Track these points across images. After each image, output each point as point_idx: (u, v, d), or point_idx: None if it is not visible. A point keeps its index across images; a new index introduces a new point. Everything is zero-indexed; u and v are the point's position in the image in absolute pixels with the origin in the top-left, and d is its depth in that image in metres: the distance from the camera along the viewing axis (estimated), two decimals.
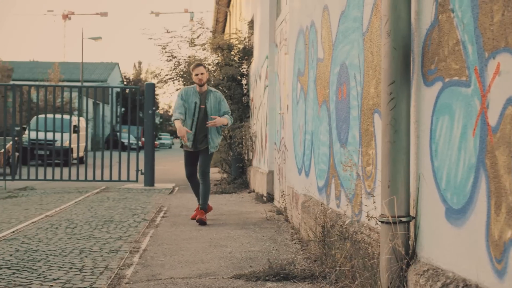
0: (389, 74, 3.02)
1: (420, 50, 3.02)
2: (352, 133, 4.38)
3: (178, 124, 7.23)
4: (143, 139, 34.91)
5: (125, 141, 36.66)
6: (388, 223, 3.02)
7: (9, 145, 15.93)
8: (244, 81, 13.76)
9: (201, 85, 7.49)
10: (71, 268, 4.91)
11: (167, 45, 14.65)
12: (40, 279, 4.53)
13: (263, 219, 7.77)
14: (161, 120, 69.09)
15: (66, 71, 49.57)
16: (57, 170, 13.85)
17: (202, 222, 7.27)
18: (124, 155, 14.08)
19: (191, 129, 7.45)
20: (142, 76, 66.12)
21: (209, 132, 7.48)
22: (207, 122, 7.39)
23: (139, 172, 13.22)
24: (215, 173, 17.67)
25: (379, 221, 3.11)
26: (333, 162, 5.00)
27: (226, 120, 7.50)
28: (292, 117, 7.25)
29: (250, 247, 5.83)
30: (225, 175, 14.92)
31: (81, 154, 21.86)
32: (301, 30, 6.62)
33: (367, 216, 3.53)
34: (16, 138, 14.90)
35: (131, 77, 63.09)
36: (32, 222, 7.48)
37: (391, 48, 3.01)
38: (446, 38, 2.73)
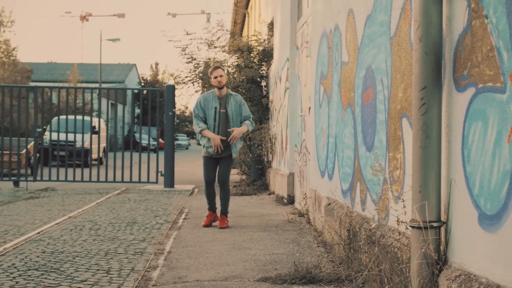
0: (421, 80, 3.03)
1: (451, 56, 3.02)
2: (379, 137, 4.38)
3: (209, 134, 7.24)
4: (160, 140, 34.91)
5: (143, 142, 36.98)
6: (419, 228, 3.02)
7: (30, 146, 16.09)
8: (263, 83, 13.78)
9: (220, 88, 7.34)
10: (98, 269, 4.96)
11: (187, 47, 14.71)
12: (68, 280, 4.58)
13: (285, 221, 7.79)
14: (177, 121, 69.40)
15: (84, 72, 49.92)
16: (77, 171, 13.95)
17: (223, 228, 7.24)
18: (143, 156, 14.15)
19: None
20: (159, 77, 66.48)
21: (230, 135, 7.34)
22: (229, 140, 7.30)
23: (159, 174, 13.29)
24: (234, 175, 17.72)
25: (410, 226, 3.12)
26: (358, 165, 5.01)
27: (246, 127, 7.40)
28: (314, 119, 7.26)
29: (274, 250, 5.84)
30: (244, 177, 14.95)
31: (101, 155, 22.05)
32: (325, 33, 6.63)
33: (397, 220, 3.53)
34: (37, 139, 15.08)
35: (149, 78, 63.40)
36: (56, 223, 7.55)
37: (422, 53, 3.02)
38: (479, 44, 2.73)
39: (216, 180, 7.49)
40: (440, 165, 3.08)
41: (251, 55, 13.73)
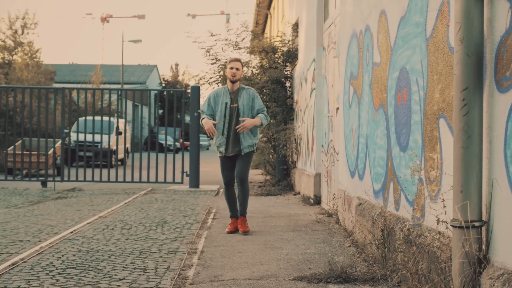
0: (462, 81, 3.06)
1: (493, 57, 3.05)
2: (414, 137, 4.41)
3: (204, 120, 6.84)
4: (181, 140, 35.13)
5: (163, 142, 37.24)
6: (460, 227, 3.06)
7: (56, 146, 16.30)
8: (288, 84, 13.83)
9: (233, 82, 6.92)
10: (134, 268, 5.05)
11: (211, 48, 14.80)
12: (106, 278, 4.67)
13: (313, 221, 7.83)
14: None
15: (106, 73, 50.28)
16: (104, 171, 14.10)
17: (246, 233, 6.89)
18: (169, 157, 14.27)
19: (223, 133, 6.92)
20: (179, 78, 66.75)
21: (241, 133, 6.90)
22: (236, 127, 6.83)
23: (184, 174, 13.40)
24: (258, 175, 17.80)
25: (451, 225, 3.15)
26: (391, 165, 5.04)
27: (259, 120, 6.84)
28: (343, 120, 7.29)
29: (306, 249, 5.89)
30: (268, 177, 15.01)
31: (123, 155, 22.23)
32: (354, 34, 6.66)
33: (437, 220, 3.56)
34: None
35: (169, 79, 63.73)
36: (88, 223, 7.67)
37: (463, 54, 3.05)
38: None
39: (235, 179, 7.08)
40: (482, 165, 3.11)
41: (276, 55, 13.78)
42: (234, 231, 6.99)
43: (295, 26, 13.66)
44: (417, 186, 4.33)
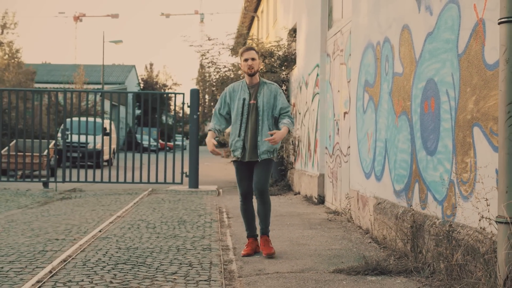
0: (508, 96, 3.53)
1: None
2: (444, 143, 4.87)
3: (207, 137, 5.96)
4: (160, 141, 35.02)
5: (145, 143, 37.46)
6: (506, 223, 3.53)
7: (50, 147, 16.54)
8: (284, 87, 14.27)
9: (251, 75, 5.88)
10: (180, 263, 5.44)
11: (208, 52, 15.19)
12: (160, 273, 5.06)
13: (325, 220, 8.28)
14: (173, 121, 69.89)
15: (85, 74, 50.19)
16: (101, 172, 14.37)
17: (271, 256, 5.80)
18: (165, 157, 14.61)
19: (239, 134, 5.90)
20: (155, 77, 66.49)
21: (259, 132, 5.87)
22: (264, 139, 5.79)
23: (184, 175, 13.77)
24: None
25: (496, 221, 3.61)
26: (416, 168, 5.51)
27: (287, 129, 5.75)
28: (356, 124, 7.75)
29: (331, 246, 6.34)
30: None
31: (111, 156, 22.47)
32: (370, 44, 7.12)
33: (481, 217, 4.03)
34: (54, 141, 15.57)
35: (148, 79, 63.76)
36: (110, 222, 8.01)
37: (509, 73, 3.52)
38: None
39: (254, 192, 5.98)
40: None
41: (272, 59, 14.22)
42: (252, 253, 5.90)
43: (292, 32, 14.11)
44: (447, 187, 4.80)
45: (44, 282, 4.69)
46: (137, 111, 55.17)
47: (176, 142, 60.00)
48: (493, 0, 4.03)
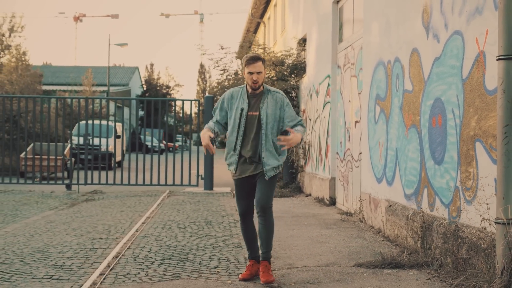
0: (504, 119, 4.30)
1: None
2: (450, 154, 5.65)
3: (202, 131, 5.34)
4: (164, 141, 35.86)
5: (149, 143, 38.39)
6: (503, 224, 4.31)
7: (66, 150, 17.33)
8: (293, 94, 15.05)
9: (255, 89, 5.29)
10: (219, 259, 6.21)
11: (221, 60, 15.99)
12: (204, 267, 5.83)
13: (339, 220, 9.06)
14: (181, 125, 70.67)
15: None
16: (118, 174, 15.13)
17: (270, 285, 5.16)
18: (182, 160, 15.38)
19: (234, 148, 5.30)
20: (161, 80, 67.26)
21: (262, 148, 5.24)
22: (279, 137, 5.19)
23: (199, 177, 14.55)
24: None
25: (495, 222, 4.40)
26: (425, 175, 6.29)
27: (300, 135, 5.20)
28: (368, 133, 8.53)
29: (348, 243, 7.12)
30: None
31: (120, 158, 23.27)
32: (381, 62, 7.91)
33: (483, 219, 4.81)
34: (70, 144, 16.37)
35: (151, 81, 64.52)
36: (142, 223, 8.78)
37: (505, 101, 4.30)
38: None
39: (256, 210, 5.35)
40: None
41: (283, 67, 15.00)
42: (250, 278, 5.33)
43: (301, 41, 14.89)
44: (453, 193, 5.58)
45: (106, 275, 5.48)
46: (140, 112, 55.99)
47: (178, 143, 61.00)
48: (493, 36, 4.80)
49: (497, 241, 4.39)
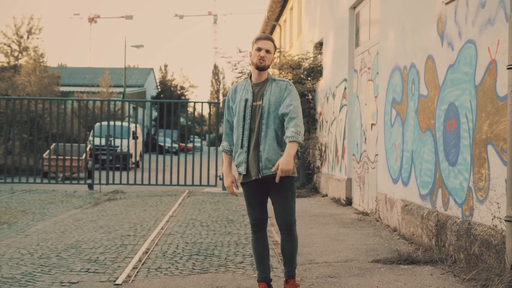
0: None
1: None
2: (463, 156, 5.97)
3: (224, 166, 4.82)
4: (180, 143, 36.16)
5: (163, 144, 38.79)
6: None
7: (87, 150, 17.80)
8: (310, 96, 15.38)
9: (260, 69, 4.66)
10: (243, 255, 6.56)
11: (239, 63, 16.36)
12: (229, 262, 6.18)
13: (356, 220, 9.38)
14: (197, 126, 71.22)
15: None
16: (138, 175, 15.56)
17: None
18: (201, 160, 15.76)
19: (241, 145, 4.64)
20: (176, 80, 67.80)
21: (261, 140, 4.59)
22: (272, 171, 4.50)
23: (218, 178, 14.92)
24: None
25: (506, 220, 4.71)
26: (439, 176, 6.60)
27: (292, 145, 4.39)
28: (384, 136, 8.85)
29: (365, 241, 7.44)
30: None
31: (138, 158, 23.72)
32: (397, 67, 8.22)
33: (494, 217, 5.13)
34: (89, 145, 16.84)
35: (166, 82, 65.07)
36: (167, 221, 9.15)
37: None
38: None
39: (278, 224, 4.69)
40: None
41: (299, 70, 15.33)
42: None
43: (318, 45, 15.22)
44: (466, 193, 5.89)
45: (139, 269, 5.85)
46: (154, 113, 56.52)
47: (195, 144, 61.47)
48: (504, 46, 5.11)
49: (507, 237, 4.70)
